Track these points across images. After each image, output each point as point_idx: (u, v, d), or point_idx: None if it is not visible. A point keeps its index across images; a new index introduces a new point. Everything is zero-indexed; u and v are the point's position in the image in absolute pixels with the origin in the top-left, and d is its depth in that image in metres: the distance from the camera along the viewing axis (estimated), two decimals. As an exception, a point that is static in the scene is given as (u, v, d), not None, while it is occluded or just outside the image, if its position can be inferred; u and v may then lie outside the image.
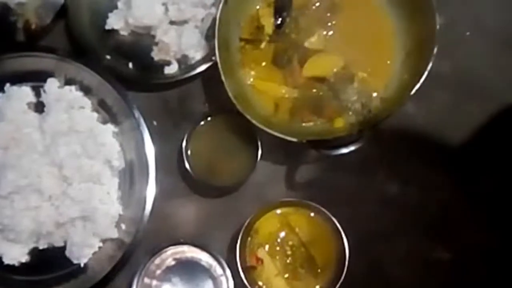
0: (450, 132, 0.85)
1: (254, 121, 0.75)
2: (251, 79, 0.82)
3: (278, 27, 0.82)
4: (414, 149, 0.85)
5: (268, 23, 0.83)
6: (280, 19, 0.82)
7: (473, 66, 0.86)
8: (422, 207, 0.84)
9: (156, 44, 0.83)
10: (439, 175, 0.84)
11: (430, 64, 0.74)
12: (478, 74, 0.86)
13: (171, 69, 0.83)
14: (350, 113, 0.80)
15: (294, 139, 0.75)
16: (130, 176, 0.81)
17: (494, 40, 0.86)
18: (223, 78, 0.76)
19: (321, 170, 0.84)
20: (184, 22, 0.84)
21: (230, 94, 0.76)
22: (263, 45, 0.82)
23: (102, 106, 0.82)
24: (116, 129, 0.81)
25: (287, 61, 0.81)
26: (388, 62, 0.81)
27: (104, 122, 0.81)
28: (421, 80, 0.74)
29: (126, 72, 0.82)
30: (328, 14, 0.82)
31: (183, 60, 0.83)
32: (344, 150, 0.73)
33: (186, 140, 0.78)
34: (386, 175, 0.84)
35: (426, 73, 0.74)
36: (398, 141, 0.84)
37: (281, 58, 0.81)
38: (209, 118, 0.80)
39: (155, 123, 0.82)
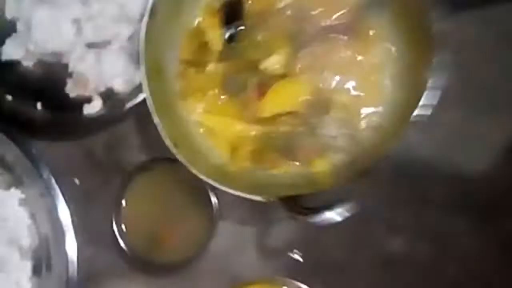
0: (463, 160, 0.67)
1: (202, 176, 0.57)
2: (197, 115, 0.63)
3: (229, 41, 0.61)
4: (421, 189, 0.67)
5: (215, 37, 0.63)
6: (230, 31, 0.61)
7: (481, 74, 0.67)
8: (437, 267, 0.66)
9: (71, 75, 0.67)
10: (457, 220, 0.66)
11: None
12: (489, 83, 0.68)
13: (93, 108, 0.66)
14: (333, 151, 0.60)
15: (259, 198, 0.56)
16: (47, 257, 0.64)
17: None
18: (154, 118, 0.57)
19: (302, 229, 0.66)
20: (105, 43, 0.66)
21: (166, 140, 0.56)
22: (210, 67, 0.62)
23: (1, 165, 0.65)
24: (23, 195, 0.65)
25: (241, 88, 0.61)
26: (376, 78, 0.62)
27: (7, 186, 0.65)
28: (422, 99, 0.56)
29: (34, 116, 0.67)
30: (296, 25, 0.62)
31: (107, 95, 0.66)
32: (333, 216, 0.54)
33: (119, 202, 0.63)
34: (387, 228, 0.66)
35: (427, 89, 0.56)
36: (399, 181, 0.66)
37: (233, 83, 0.61)
38: (148, 170, 0.64)
39: (77, 181, 0.67)
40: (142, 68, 0.58)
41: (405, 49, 0.61)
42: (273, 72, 0.62)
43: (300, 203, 0.55)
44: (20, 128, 0.65)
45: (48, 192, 0.62)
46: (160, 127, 0.57)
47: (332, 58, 0.63)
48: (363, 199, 0.55)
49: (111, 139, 0.68)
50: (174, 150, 0.57)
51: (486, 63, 0.68)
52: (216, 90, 0.63)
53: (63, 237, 0.62)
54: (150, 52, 0.59)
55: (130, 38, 0.66)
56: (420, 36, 0.58)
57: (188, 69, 0.64)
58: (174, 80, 0.63)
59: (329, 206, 0.53)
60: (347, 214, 0.53)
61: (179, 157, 0.57)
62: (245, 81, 0.62)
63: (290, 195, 0.55)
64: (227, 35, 0.63)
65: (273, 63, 0.62)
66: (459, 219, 0.66)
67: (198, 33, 0.63)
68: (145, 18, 0.59)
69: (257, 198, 0.56)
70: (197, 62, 0.63)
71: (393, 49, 0.62)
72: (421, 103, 0.57)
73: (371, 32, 0.62)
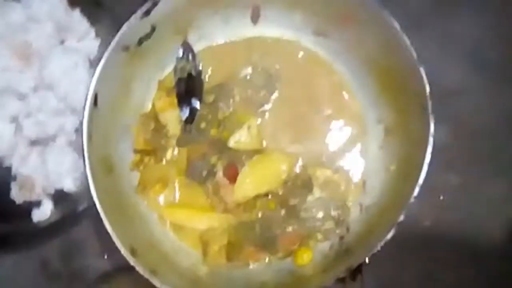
0: (475, 231, 0.57)
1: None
2: (159, 210, 0.54)
3: (187, 122, 0.53)
4: (427, 267, 0.57)
5: (172, 119, 0.54)
6: (188, 110, 0.53)
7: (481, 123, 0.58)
8: None
9: (15, 179, 0.59)
10: None
11: (431, 138, 0.47)
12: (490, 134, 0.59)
13: (43, 213, 0.59)
14: (320, 237, 0.51)
15: None
16: None
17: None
18: (105, 224, 0.47)
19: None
20: (49, 139, 0.59)
21: (121, 249, 0.47)
22: (168, 154, 0.53)
23: None
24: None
25: (208, 173, 0.52)
26: (360, 147, 0.53)
27: None
28: (422, 173, 0.47)
29: None
30: (262, 93, 0.54)
31: (58, 197, 0.59)
32: None
33: None
34: None
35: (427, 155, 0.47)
36: (400, 259, 0.56)
37: (198, 169, 0.52)
38: (111, 281, 0.56)
39: None
40: (87, 165, 0.50)
41: (390, 109, 0.53)
42: (244, 147, 0.54)
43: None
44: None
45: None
46: (113, 234, 0.48)
47: (309, 125, 0.55)
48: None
49: (67, 246, 0.60)
50: (131, 260, 0.48)
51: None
52: (180, 180, 0.55)
53: None
54: (96, 145, 0.51)
55: (78, 130, 0.59)
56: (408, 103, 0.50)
57: (144, 159, 0.55)
58: (128, 175, 0.55)
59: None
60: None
61: (138, 267, 0.48)
62: (212, 164, 0.54)
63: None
64: (184, 116, 0.55)
65: (242, 137, 0.54)
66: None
67: (151, 118, 0.56)
68: (87, 108, 0.50)
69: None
70: (153, 150, 0.55)
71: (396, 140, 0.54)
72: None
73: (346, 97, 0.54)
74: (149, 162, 0.56)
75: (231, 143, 0.54)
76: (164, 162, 0.56)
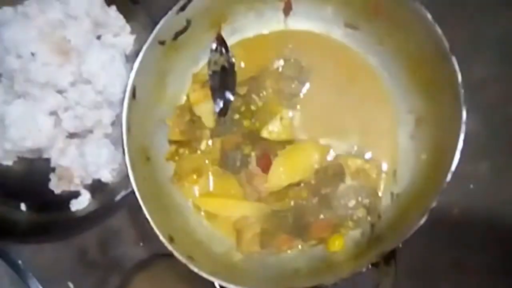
0: (504, 219, 0.58)
1: (204, 274, 0.49)
2: (194, 200, 0.56)
3: (221, 114, 0.55)
4: (457, 255, 0.58)
5: (206, 111, 0.56)
6: (222, 102, 0.55)
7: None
8: None
9: (54, 170, 0.61)
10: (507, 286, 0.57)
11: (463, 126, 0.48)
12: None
13: (81, 203, 0.61)
14: (351, 224, 0.52)
15: None
16: None
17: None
18: (145, 212, 0.48)
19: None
20: (87, 132, 0.61)
21: (159, 234, 0.49)
22: (203, 145, 0.55)
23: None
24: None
25: (242, 163, 0.53)
26: (391, 137, 0.55)
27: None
28: (454, 160, 0.47)
29: (18, 218, 0.61)
30: (294, 85, 0.56)
31: (95, 187, 0.61)
32: None
33: None
34: None
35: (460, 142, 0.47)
36: (430, 247, 0.57)
37: (232, 159, 0.54)
38: (148, 268, 0.58)
39: (71, 286, 0.61)
40: (126, 156, 0.51)
41: (435, 130, 0.54)
42: (277, 138, 0.55)
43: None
44: (4, 235, 0.59)
45: (37, 305, 0.55)
46: (152, 222, 0.50)
47: (340, 116, 0.56)
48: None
49: (104, 235, 0.61)
50: (169, 246, 0.49)
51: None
52: (214, 170, 0.57)
53: None
54: (134, 137, 0.53)
55: (114, 123, 0.60)
56: (443, 94, 0.51)
57: (179, 149, 0.57)
58: (164, 165, 0.57)
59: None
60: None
61: (176, 253, 0.49)
62: (245, 154, 0.56)
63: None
64: (218, 108, 0.56)
65: (275, 128, 0.55)
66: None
67: (186, 110, 0.57)
68: (126, 100, 0.52)
69: (269, 293, 0.48)
70: (188, 141, 0.57)
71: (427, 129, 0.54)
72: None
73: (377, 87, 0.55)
74: (184, 153, 0.57)
75: (264, 133, 0.55)
76: (198, 152, 0.57)
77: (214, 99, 0.57)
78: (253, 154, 0.56)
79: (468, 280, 0.57)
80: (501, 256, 0.57)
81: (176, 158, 0.57)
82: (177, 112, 0.57)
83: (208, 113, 0.57)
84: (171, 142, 0.58)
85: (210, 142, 0.57)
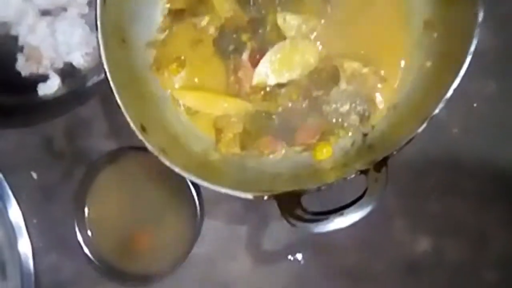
0: (504, 143, 0.55)
1: (177, 170, 0.45)
2: (173, 91, 0.52)
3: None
4: (450, 176, 0.55)
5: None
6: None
7: None
8: (472, 270, 0.53)
9: (21, 50, 0.57)
10: (499, 213, 0.54)
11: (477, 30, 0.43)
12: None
13: (50, 88, 0.57)
14: (341, 132, 0.47)
15: (249, 196, 0.44)
16: (1, 269, 0.54)
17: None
18: (116, 96, 0.44)
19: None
20: (60, 9, 0.56)
21: (131, 123, 0.45)
22: (205, 20, 0.51)
23: None
24: (-34, 196, 0.55)
25: (234, 49, 0.50)
26: (394, 41, 0.50)
27: None
28: (463, 68, 0.43)
29: None
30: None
31: (66, 71, 0.58)
32: (343, 222, 0.42)
33: (80, 199, 0.53)
34: (411, 226, 0.55)
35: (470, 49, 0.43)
36: (423, 166, 0.55)
37: (227, 41, 0.51)
38: (116, 162, 0.53)
39: (34, 175, 0.58)
40: (99, 32, 0.46)
41: (444, 35, 0.49)
42: (286, 31, 0.50)
43: (301, 205, 0.43)
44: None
45: (-4, 192, 0.53)
46: (123, 107, 0.45)
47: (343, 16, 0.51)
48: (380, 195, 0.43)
49: (73, 124, 0.58)
50: (141, 136, 0.45)
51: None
52: (203, 51, 0.52)
53: (16, 242, 0.52)
54: (110, 12, 0.47)
55: (90, 3, 0.56)
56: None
57: (172, 25, 0.52)
58: (145, 49, 0.52)
59: (337, 210, 0.41)
60: (360, 216, 0.41)
61: (148, 145, 0.45)
62: (242, 41, 0.51)
63: (288, 192, 0.43)
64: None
65: (292, 20, 0.50)
66: (500, 209, 0.55)
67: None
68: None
69: (247, 195, 0.45)
70: (190, 12, 0.51)
71: (435, 34, 0.49)
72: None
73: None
74: (181, 29, 0.52)
75: (280, 19, 0.50)
76: (194, 29, 0.52)
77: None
78: (249, 44, 0.51)
79: (459, 204, 0.54)
80: (497, 182, 0.55)
81: (164, 37, 0.52)
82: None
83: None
84: (169, 11, 0.52)
85: (212, 19, 0.52)
